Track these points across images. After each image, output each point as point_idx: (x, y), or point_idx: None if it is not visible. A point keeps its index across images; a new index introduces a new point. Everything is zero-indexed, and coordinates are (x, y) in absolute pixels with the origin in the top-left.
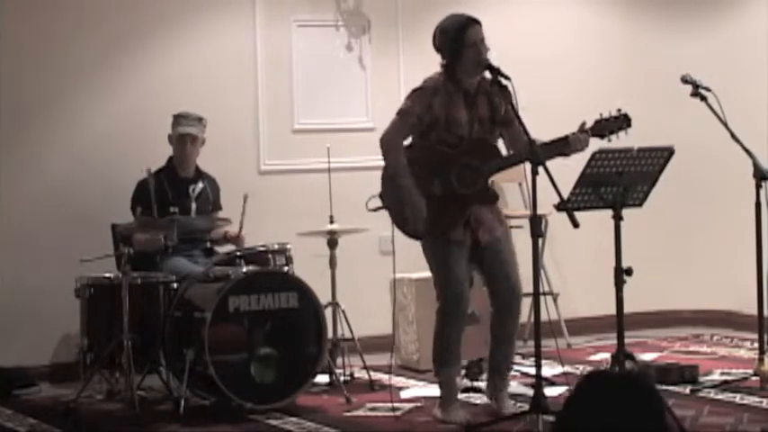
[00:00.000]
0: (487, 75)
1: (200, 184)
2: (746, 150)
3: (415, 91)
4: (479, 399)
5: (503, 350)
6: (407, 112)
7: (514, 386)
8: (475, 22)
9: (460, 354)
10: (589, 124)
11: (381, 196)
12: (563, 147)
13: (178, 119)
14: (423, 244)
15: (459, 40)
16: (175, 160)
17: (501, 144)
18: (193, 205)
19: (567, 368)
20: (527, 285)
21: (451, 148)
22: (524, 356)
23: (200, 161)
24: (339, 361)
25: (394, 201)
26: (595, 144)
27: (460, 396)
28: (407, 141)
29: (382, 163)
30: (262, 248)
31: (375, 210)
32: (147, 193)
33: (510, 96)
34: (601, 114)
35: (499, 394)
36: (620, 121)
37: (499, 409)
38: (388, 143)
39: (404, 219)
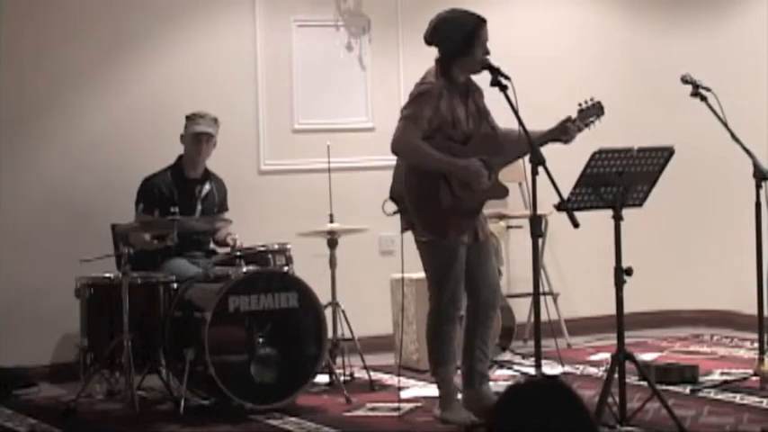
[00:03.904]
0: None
1: (207, 186)
2: (746, 150)
3: (420, 95)
4: None
5: (479, 347)
6: (417, 116)
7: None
8: (484, 21)
9: (456, 352)
10: (597, 127)
11: (394, 198)
12: (559, 134)
13: (194, 118)
14: (425, 242)
15: (472, 37)
16: (186, 160)
17: None
18: (199, 206)
19: (567, 368)
20: (527, 285)
21: (459, 145)
22: (524, 356)
23: None
24: (339, 361)
25: (422, 200)
26: (596, 143)
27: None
28: None
29: (383, 162)
30: (262, 248)
31: (393, 213)
32: (152, 190)
33: (481, 91)
34: (579, 104)
35: (481, 388)
36: (597, 108)
37: (486, 402)
38: (404, 144)
39: (427, 218)
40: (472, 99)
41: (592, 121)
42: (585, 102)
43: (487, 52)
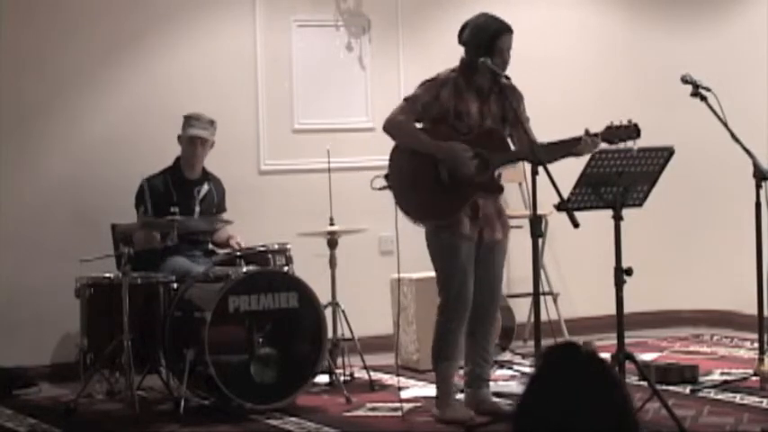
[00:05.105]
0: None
1: (206, 187)
2: (746, 150)
3: (425, 81)
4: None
5: (479, 353)
6: (414, 98)
7: (514, 386)
8: (509, 30)
9: (460, 351)
10: (598, 129)
11: (387, 177)
12: (573, 146)
13: (189, 120)
14: (428, 237)
15: (491, 43)
16: (183, 161)
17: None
18: (197, 208)
19: None
20: (527, 285)
21: (462, 136)
22: (524, 356)
23: None
24: (339, 361)
25: (405, 184)
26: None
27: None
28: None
29: (383, 162)
30: (262, 248)
31: (380, 189)
32: (151, 192)
33: (522, 99)
34: (611, 122)
35: (479, 392)
36: (631, 131)
37: (483, 406)
38: (395, 124)
39: (410, 202)
40: (495, 101)
41: (621, 141)
42: (621, 121)
43: (505, 61)
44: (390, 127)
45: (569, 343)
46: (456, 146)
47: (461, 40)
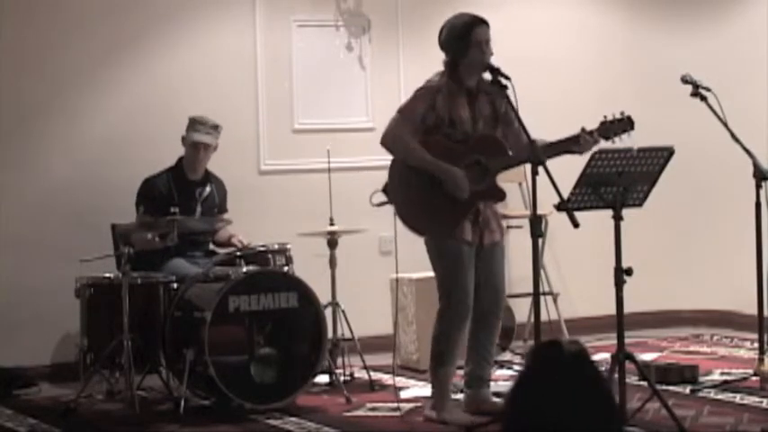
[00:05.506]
0: (487, 75)
1: (207, 188)
2: (746, 150)
3: (417, 91)
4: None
5: (481, 354)
6: (410, 110)
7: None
8: (482, 22)
9: (459, 354)
10: (593, 126)
11: (385, 191)
12: (572, 145)
13: (195, 124)
14: (429, 243)
15: (464, 38)
16: (186, 163)
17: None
18: (198, 208)
19: None
20: (527, 285)
21: (458, 144)
22: (524, 356)
23: None
24: (339, 361)
25: (406, 197)
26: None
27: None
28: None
29: (383, 162)
30: (262, 248)
31: (379, 204)
32: (152, 191)
33: (508, 97)
34: (605, 117)
35: (480, 392)
36: (624, 123)
37: (483, 406)
38: (393, 138)
39: (410, 213)
40: (484, 102)
41: (616, 135)
42: (614, 115)
43: (484, 53)
44: (389, 142)
45: (552, 341)
46: (456, 172)
47: (440, 43)
